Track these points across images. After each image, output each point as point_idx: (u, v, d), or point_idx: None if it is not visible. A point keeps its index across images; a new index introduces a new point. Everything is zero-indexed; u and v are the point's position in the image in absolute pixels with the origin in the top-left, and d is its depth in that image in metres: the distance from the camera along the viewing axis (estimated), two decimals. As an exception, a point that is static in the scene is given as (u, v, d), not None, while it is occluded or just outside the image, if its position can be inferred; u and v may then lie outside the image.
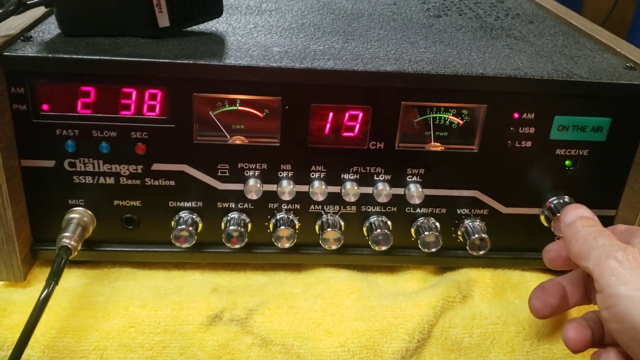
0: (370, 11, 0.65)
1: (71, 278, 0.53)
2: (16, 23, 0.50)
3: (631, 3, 2.09)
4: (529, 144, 0.52)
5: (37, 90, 0.47)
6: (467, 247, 0.54)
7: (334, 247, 0.53)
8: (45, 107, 0.47)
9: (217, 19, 0.57)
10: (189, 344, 0.49)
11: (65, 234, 0.49)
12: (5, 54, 0.45)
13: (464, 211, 0.55)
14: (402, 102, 0.49)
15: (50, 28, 0.51)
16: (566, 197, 0.54)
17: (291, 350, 0.50)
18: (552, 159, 0.53)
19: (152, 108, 0.48)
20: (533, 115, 0.51)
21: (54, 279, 0.45)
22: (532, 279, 0.57)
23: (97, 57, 0.46)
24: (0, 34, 0.47)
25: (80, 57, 0.46)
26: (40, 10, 0.54)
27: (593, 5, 2.19)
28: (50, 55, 0.45)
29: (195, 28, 0.53)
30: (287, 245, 0.53)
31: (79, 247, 0.49)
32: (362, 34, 0.56)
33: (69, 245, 0.48)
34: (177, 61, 0.46)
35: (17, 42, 0.47)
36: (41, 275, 0.53)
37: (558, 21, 0.67)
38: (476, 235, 0.53)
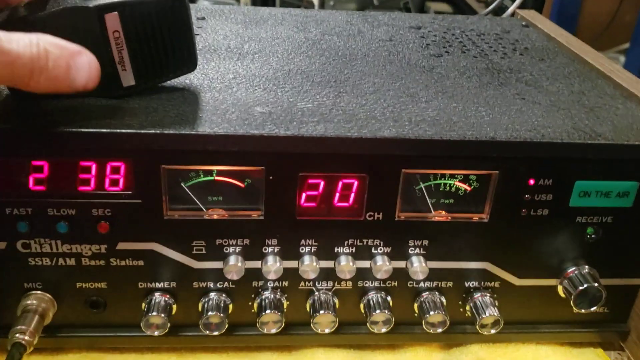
0: (364, 51, 0.59)
1: (30, 368, 0.47)
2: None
3: (631, 7, 2.03)
4: (546, 212, 0.46)
5: (-19, 165, 0.41)
6: (477, 326, 0.48)
7: (327, 331, 0.47)
8: (-9, 184, 0.41)
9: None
10: None
11: (19, 327, 0.43)
12: (-59, 127, 0.39)
13: (472, 284, 0.49)
14: (402, 170, 0.43)
15: None
16: (586, 266, 0.48)
17: None
18: (572, 227, 0.47)
19: (114, 182, 0.42)
20: (551, 181, 0.45)
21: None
22: (548, 354, 0.51)
23: (50, 129, 0.39)
24: (-62, 101, 0.41)
25: (30, 129, 0.39)
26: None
27: (592, 9, 2.13)
28: (-6, 128, 0.39)
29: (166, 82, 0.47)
30: (273, 330, 0.47)
31: (36, 341, 0.43)
32: (356, 84, 0.50)
33: (23, 341, 0.42)
34: (142, 131, 0.40)
35: (-43, 109, 0.41)
36: (-4, 365, 0.47)
37: (571, 57, 0.61)
38: (487, 314, 0.47)
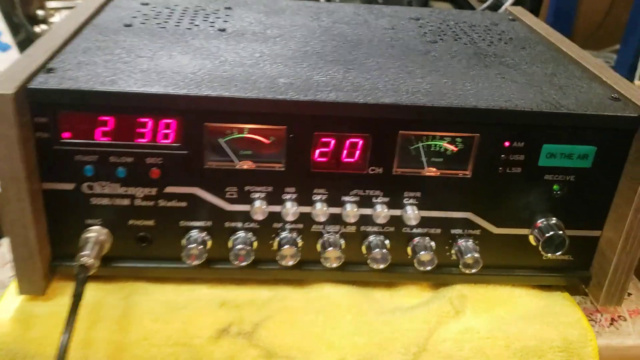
0: (369, 37, 0.68)
1: (88, 292, 0.56)
2: (37, 54, 0.53)
3: (627, 6, 2.11)
4: (518, 170, 0.55)
5: (58, 119, 0.50)
6: (460, 266, 0.57)
7: (334, 265, 0.57)
8: (65, 135, 0.51)
9: (225, 47, 0.60)
10: (198, 356, 0.53)
11: (84, 252, 0.52)
12: (30, 87, 0.48)
13: (457, 231, 0.58)
14: (400, 131, 0.53)
15: (69, 57, 0.54)
16: (553, 218, 0.57)
17: (294, 363, 0.53)
18: (541, 184, 0.56)
19: (166, 136, 0.52)
20: (523, 144, 0.54)
21: (78, 295, 0.49)
22: (522, 295, 0.60)
23: (116, 90, 0.49)
24: (25, 67, 0.50)
25: (99, 89, 0.49)
26: (59, 40, 0.57)
27: (588, 8, 2.21)
28: (71, 88, 0.49)
29: (207, 54, 0.57)
30: (290, 263, 0.56)
31: (96, 265, 0.53)
32: (362, 63, 0.59)
33: (87, 264, 0.52)
34: (190, 94, 0.50)
35: (39, 74, 0.50)
36: (59, 289, 0.56)
37: (549, 47, 0.70)
38: (469, 255, 0.57)
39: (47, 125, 0.50)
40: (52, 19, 2.50)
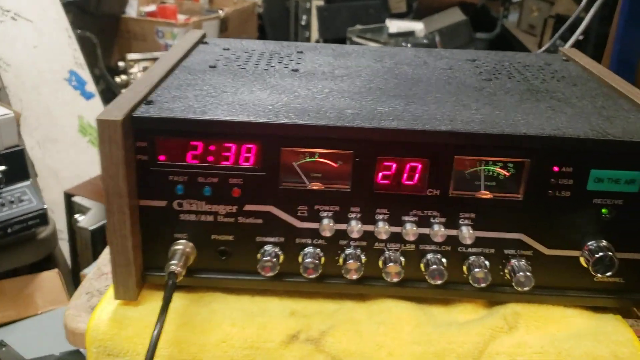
0: (428, 76, 0.74)
1: (174, 300, 0.63)
2: (138, 89, 0.62)
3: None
4: (568, 194, 0.59)
5: (156, 144, 0.58)
6: (513, 284, 0.61)
7: (395, 280, 0.61)
8: (161, 157, 0.59)
9: (299, 84, 0.67)
10: (271, 358, 0.58)
11: (173, 262, 0.59)
12: (134, 115, 0.57)
13: (510, 252, 0.62)
14: (455, 156, 0.58)
15: (165, 92, 0.63)
16: (603, 241, 0.61)
17: (357, 368, 0.58)
18: (590, 207, 0.60)
19: (247, 159, 0.59)
20: (571, 169, 0.58)
21: (168, 297, 0.56)
22: (574, 315, 0.63)
23: (205, 118, 0.57)
24: (129, 99, 0.59)
25: (191, 117, 0.57)
26: (156, 77, 0.66)
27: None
28: (168, 117, 0.57)
29: (283, 90, 0.64)
30: (354, 276, 0.61)
31: (183, 273, 0.59)
32: (421, 98, 0.66)
33: (176, 271, 0.59)
34: (269, 121, 0.57)
35: (141, 105, 0.59)
36: (148, 296, 0.63)
37: (600, 83, 0.75)
38: (521, 274, 0.61)
39: (146, 149, 0.58)
40: (131, 70, 2.68)
